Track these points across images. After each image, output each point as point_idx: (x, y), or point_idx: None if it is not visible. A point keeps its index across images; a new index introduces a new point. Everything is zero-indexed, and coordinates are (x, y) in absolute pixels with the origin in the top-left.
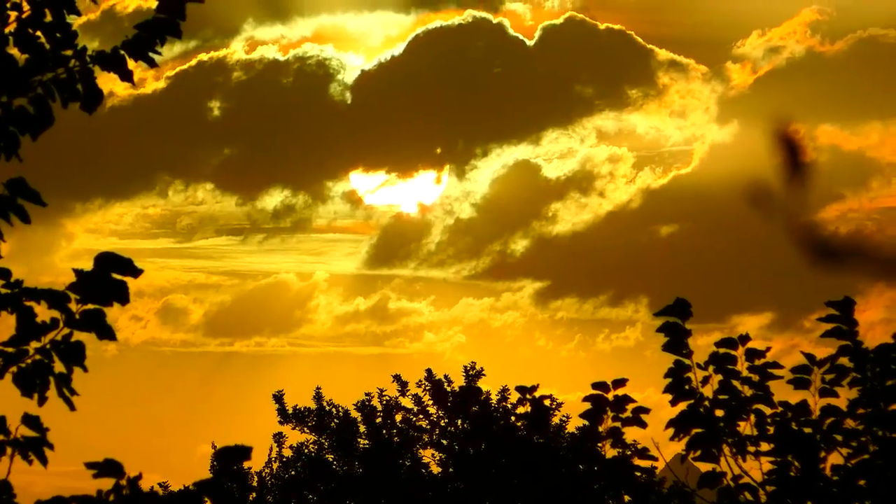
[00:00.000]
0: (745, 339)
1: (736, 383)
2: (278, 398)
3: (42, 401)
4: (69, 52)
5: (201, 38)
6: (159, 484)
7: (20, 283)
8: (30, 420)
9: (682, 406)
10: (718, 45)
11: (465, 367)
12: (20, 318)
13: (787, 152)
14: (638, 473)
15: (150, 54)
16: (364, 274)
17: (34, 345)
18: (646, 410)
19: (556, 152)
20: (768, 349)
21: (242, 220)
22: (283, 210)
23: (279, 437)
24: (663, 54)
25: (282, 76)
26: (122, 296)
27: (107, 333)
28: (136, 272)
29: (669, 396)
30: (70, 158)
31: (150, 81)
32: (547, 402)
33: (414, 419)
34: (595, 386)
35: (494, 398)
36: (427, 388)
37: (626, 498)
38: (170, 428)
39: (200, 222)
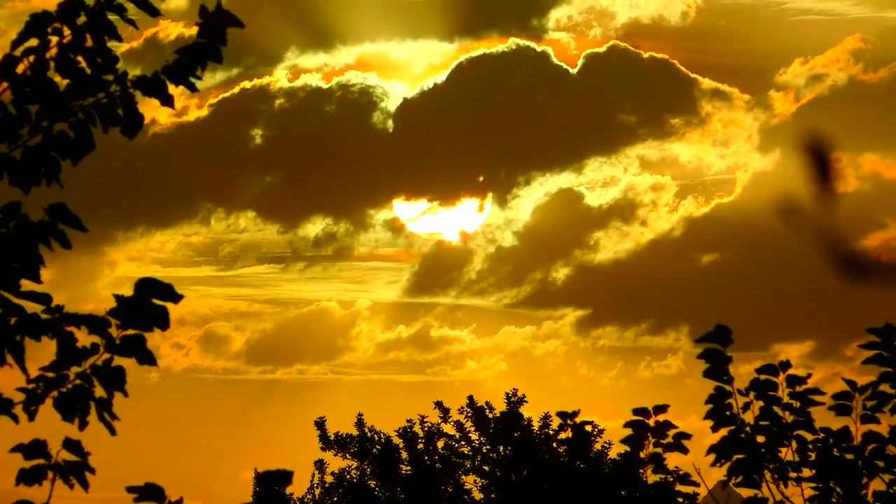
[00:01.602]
0: (785, 365)
1: (777, 409)
2: (320, 425)
3: (83, 425)
4: (110, 77)
5: (244, 66)
6: None
7: (61, 308)
8: (71, 444)
9: (724, 432)
10: (760, 74)
11: (507, 393)
12: (61, 343)
13: (818, 165)
14: (680, 500)
15: (191, 79)
16: (406, 302)
17: (75, 370)
18: (687, 436)
19: (598, 181)
20: (809, 375)
21: (284, 248)
22: (324, 238)
23: (321, 464)
24: (706, 83)
25: (324, 104)
26: (163, 321)
27: (147, 359)
28: (177, 297)
29: (710, 422)
30: (112, 186)
31: (192, 109)
32: (588, 429)
33: (456, 445)
34: (636, 412)
35: (536, 425)
36: (469, 414)
37: None
38: (211, 454)
39: (242, 250)
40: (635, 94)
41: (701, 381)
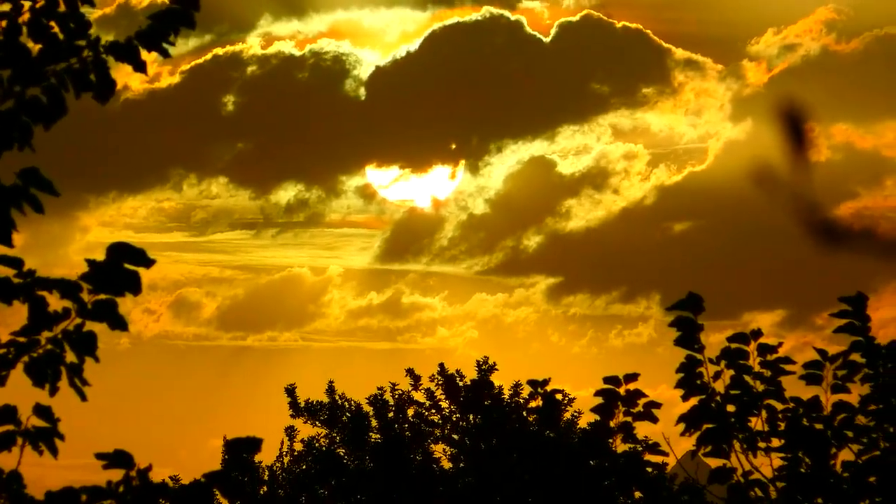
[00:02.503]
0: (757, 334)
1: (748, 378)
2: (290, 392)
3: (53, 391)
4: (82, 43)
5: (217, 33)
6: (170, 477)
7: (32, 272)
8: (41, 410)
9: (694, 401)
10: (733, 43)
11: (478, 361)
12: (32, 307)
13: (791, 134)
14: (649, 469)
15: (164, 45)
16: (377, 269)
17: (46, 335)
18: (657, 405)
19: (570, 149)
20: (780, 344)
21: (256, 215)
22: (296, 204)
23: (291, 431)
24: (679, 53)
25: (297, 71)
26: (135, 286)
27: (119, 324)
28: (149, 262)
29: (681, 392)
30: (85, 152)
31: (164, 76)
32: (559, 397)
33: (426, 414)
34: (607, 380)
35: (507, 393)
36: (439, 382)
37: (637, 494)
38: (181, 421)
39: (214, 216)
40: (608, 63)
41: (672, 349)
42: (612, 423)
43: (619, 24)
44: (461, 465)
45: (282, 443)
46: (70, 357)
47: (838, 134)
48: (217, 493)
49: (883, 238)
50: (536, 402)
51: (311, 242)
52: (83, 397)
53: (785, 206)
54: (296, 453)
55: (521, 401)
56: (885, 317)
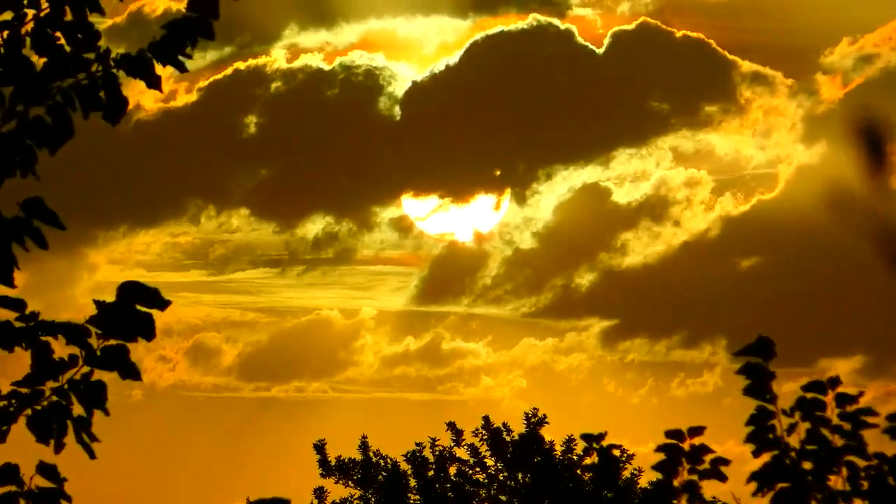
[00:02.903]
0: (835, 382)
1: (825, 432)
2: (320, 448)
3: (59, 447)
4: (91, 56)
5: (238, 45)
6: None
7: (35, 315)
8: (45, 469)
9: (766, 457)
10: (805, 54)
11: (527, 413)
12: (35, 354)
13: (870, 156)
14: None
15: (180, 58)
16: (414, 311)
17: (51, 385)
18: (726, 462)
19: (627, 175)
20: (861, 394)
21: (281, 250)
22: (325, 239)
23: (320, 492)
24: (746, 66)
25: (326, 87)
26: (148, 330)
27: (131, 372)
28: (164, 304)
29: (751, 447)
30: (92, 180)
31: (181, 93)
32: (616, 453)
33: (470, 472)
34: (669, 434)
35: (559, 449)
36: (484, 437)
37: None
38: (200, 481)
39: (235, 252)
40: (667, 77)
41: (741, 400)
42: (675, 482)
43: (678, 34)
44: None
45: None
46: (77, 410)
47: None
48: None
49: None
50: (592, 459)
51: (341, 282)
52: (91, 454)
53: (864, 238)
54: None
55: (575, 457)
56: None
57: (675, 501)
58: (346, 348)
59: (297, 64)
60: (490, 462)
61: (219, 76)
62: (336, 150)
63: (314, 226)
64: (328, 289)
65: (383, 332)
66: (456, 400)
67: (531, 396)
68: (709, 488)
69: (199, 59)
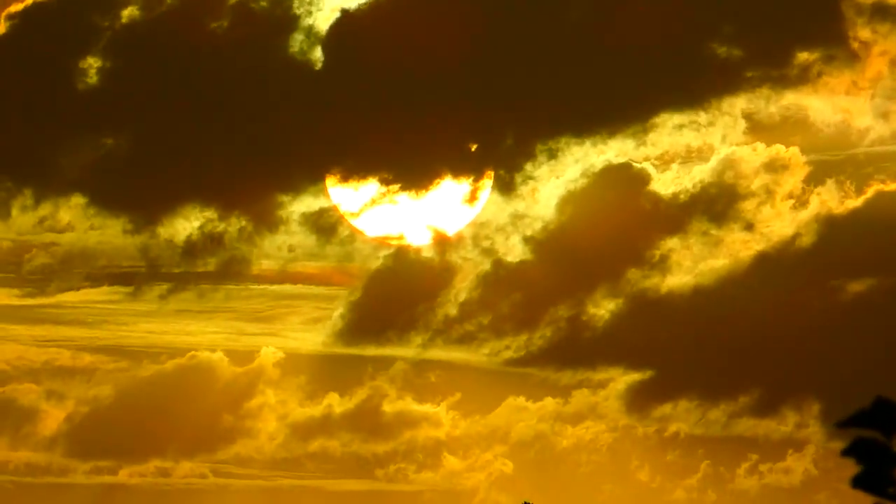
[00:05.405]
0: None
1: None
2: None
3: None
4: None
5: None
6: None
7: None
8: None
9: None
10: None
11: None
12: None
13: None
14: None
15: None
16: (340, 354)
17: None
18: None
19: (674, 154)
20: None
21: (135, 260)
22: (202, 243)
23: None
24: None
25: (209, 17)
26: None
27: None
28: None
29: None
30: None
31: None
32: None
33: None
34: None
35: None
36: None
37: None
38: None
39: (63, 262)
40: (741, 6)
41: (846, 494)
42: None
43: None
44: None
45: None
46: None
47: None
48: None
49: None
50: None
51: (227, 308)
52: None
53: None
54: None
55: None
56: None
57: None
58: (236, 410)
59: None
60: None
61: None
62: (223, 109)
63: (186, 223)
64: (208, 319)
65: (292, 386)
66: (405, 491)
67: (519, 487)
68: None
69: None
